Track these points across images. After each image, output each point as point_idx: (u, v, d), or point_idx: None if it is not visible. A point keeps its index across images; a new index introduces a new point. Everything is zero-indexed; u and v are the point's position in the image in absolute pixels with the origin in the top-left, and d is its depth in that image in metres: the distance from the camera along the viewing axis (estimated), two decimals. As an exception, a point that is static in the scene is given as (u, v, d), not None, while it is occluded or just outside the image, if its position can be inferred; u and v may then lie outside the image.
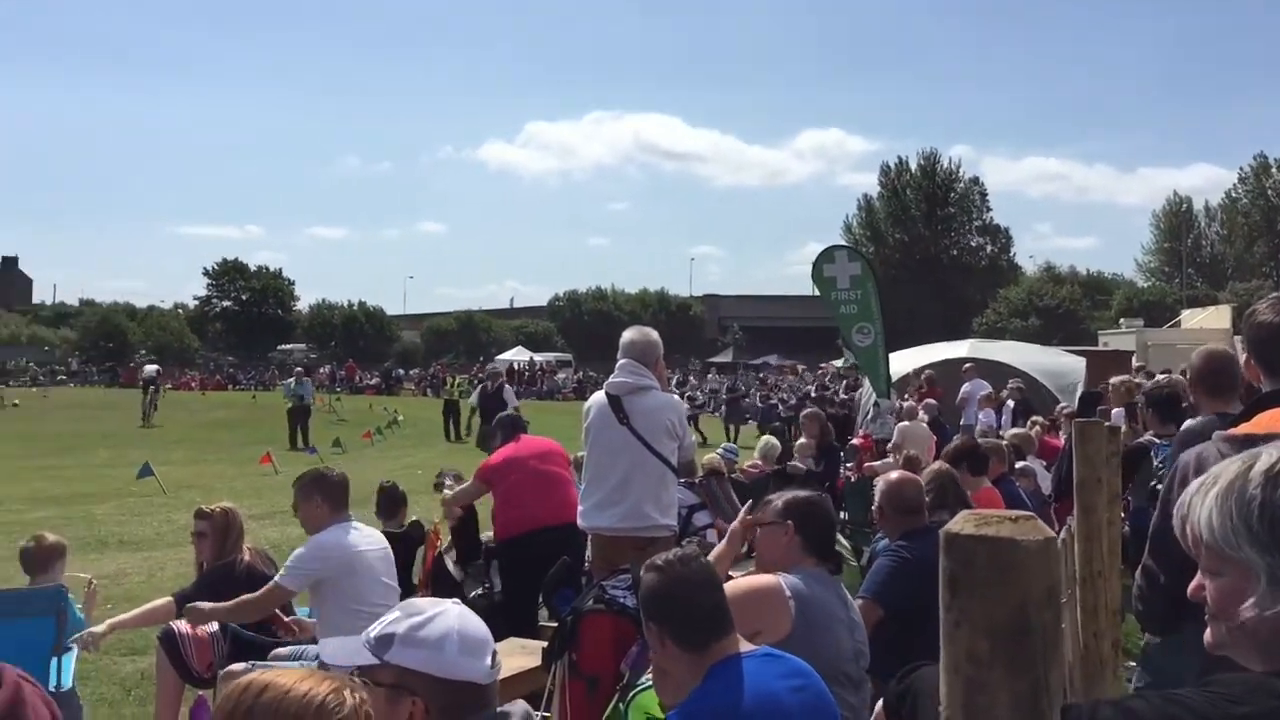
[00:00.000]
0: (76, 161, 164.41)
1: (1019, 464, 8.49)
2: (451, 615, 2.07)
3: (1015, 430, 10.45)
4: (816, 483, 10.32)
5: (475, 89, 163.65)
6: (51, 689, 4.47)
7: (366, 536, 5.09)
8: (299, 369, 28.81)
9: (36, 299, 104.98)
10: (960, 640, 0.92)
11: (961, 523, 0.92)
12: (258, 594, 4.89)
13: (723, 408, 29.37)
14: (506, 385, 18.85)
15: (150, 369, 33.68)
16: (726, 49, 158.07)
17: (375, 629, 2.09)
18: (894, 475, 4.70)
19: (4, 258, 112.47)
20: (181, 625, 5.36)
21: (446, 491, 7.57)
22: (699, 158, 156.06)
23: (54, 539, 5.32)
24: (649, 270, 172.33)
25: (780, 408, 27.76)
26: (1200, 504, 1.30)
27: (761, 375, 36.45)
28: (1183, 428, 4.88)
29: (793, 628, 3.16)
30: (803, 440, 11.54)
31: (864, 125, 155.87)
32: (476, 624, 2.10)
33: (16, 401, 38.04)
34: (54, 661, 4.53)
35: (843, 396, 21.66)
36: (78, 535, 11.60)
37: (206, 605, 4.91)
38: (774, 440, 12.23)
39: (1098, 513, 3.31)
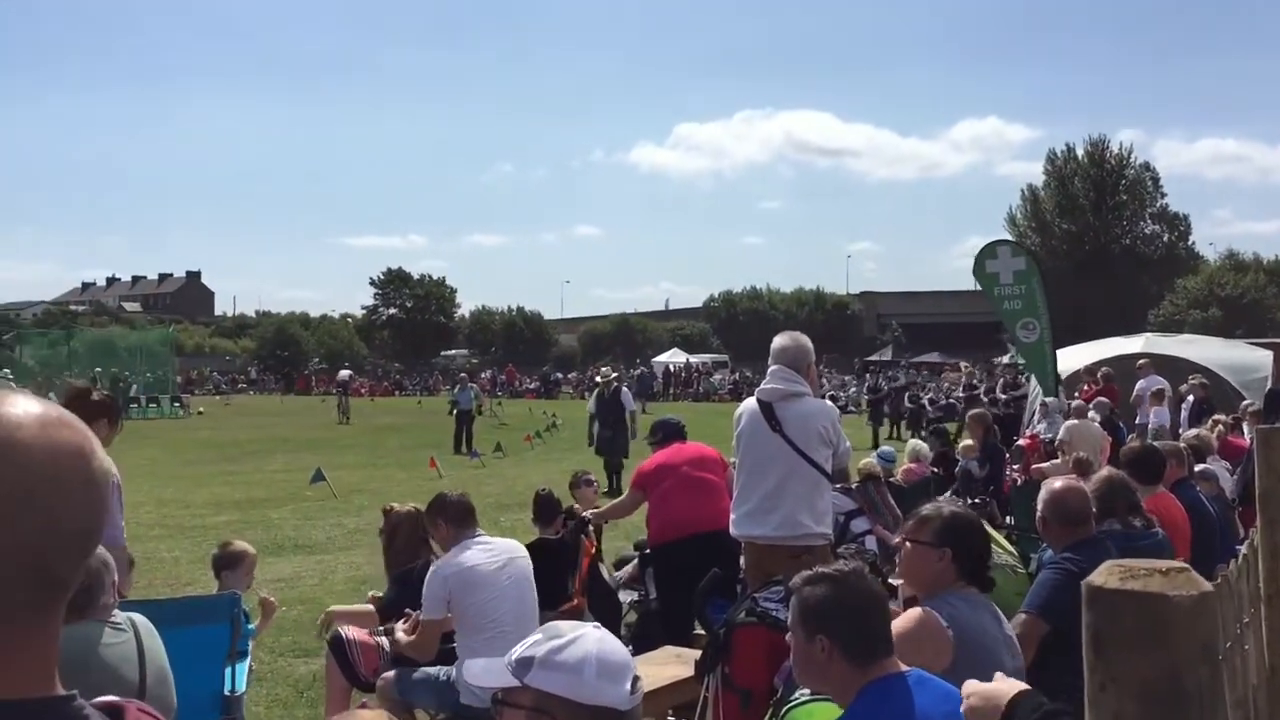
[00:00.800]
0: (250, 179, 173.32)
1: (1199, 467, 8.02)
2: (591, 639, 2.05)
3: (1194, 430, 9.89)
4: (981, 486, 10.03)
5: (623, 93, 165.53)
6: (226, 694, 4.68)
7: (488, 550, 5.04)
8: (462, 375, 29.77)
9: (218, 311, 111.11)
10: (1107, 704, 0.84)
11: (1105, 575, 0.84)
12: (417, 637, 4.97)
13: (866, 409, 28.55)
14: (624, 389, 18.17)
15: (344, 374, 36.84)
16: (877, 41, 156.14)
17: (516, 651, 2.09)
18: (1057, 483, 4.49)
19: (188, 272, 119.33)
20: (349, 631, 5.54)
21: (590, 509, 7.62)
22: (852, 153, 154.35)
23: (239, 546, 5.55)
24: (804, 268, 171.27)
25: (929, 409, 26.89)
26: None
27: (890, 374, 34.23)
28: None
29: (954, 658, 3.05)
30: (967, 442, 11.21)
31: (1023, 113, 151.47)
32: (616, 648, 2.08)
33: (202, 410, 40.16)
34: (228, 667, 4.72)
35: (1002, 396, 20.86)
36: (256, 539, 12.13)
37: (400, 638, 5.06)
38: (920, 443, 11.99)
39: (1283, 526, 3.07)
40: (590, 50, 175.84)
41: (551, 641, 2.06)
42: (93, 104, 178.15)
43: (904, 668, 2.64)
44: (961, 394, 26.81)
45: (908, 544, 3.55)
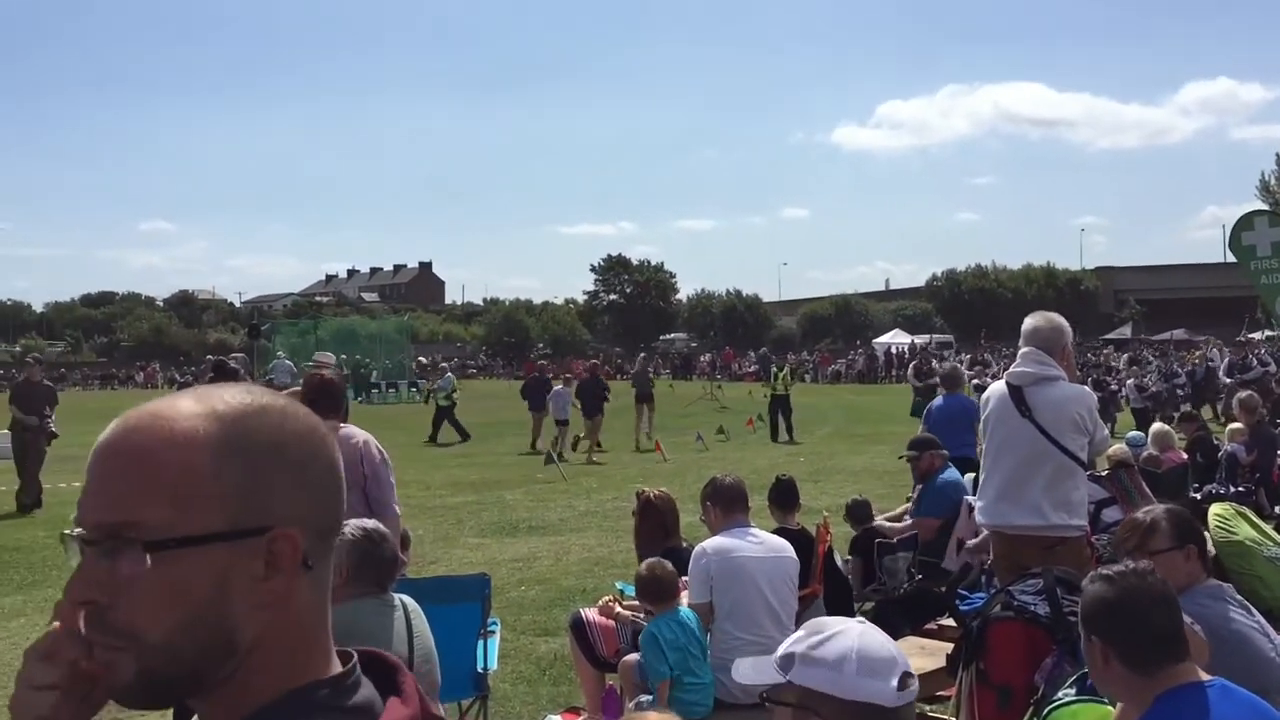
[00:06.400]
0: (472, 174, 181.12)
1: None
2: (852, 634, 2.01)
3: None
4: (1247, 473, 9.36)
5: (822, 75, 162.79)
6: (480, 670, 4.83)
7: (756, 541, 4.94)
8: (442, 365, 29.80)
9: (448, 299, 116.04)
10: None
11: None
12: None
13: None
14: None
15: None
16: (1086, 5, 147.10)
17: (781, 648, 2.08)
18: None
19: (421, 263, 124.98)
20: (589, 613, 5.61)
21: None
22: (1068, 123, 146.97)
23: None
24: (1029, 244, 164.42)
25: (1132, 396, 24.81)
26: None
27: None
28: None
29: (1210, 655, 2.82)
30: (1234, 425, 10.43)
31: (1258, 71, 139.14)
32: (880, 644, 2.02)
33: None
34: (480, 644, 4.87)
35: (1227, 380, 19.34)
36: (492, 520, 12.60)
37: None
38: (1166, 427, 11.28)
39: None
40: (787, 34, 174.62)
41: (812, 637, 2.05)
42: (335, 112, 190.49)
43: (1205, 677, 2.43)
44: (1180, 380, 24.86)
45: (1150, 561, 3.38)
